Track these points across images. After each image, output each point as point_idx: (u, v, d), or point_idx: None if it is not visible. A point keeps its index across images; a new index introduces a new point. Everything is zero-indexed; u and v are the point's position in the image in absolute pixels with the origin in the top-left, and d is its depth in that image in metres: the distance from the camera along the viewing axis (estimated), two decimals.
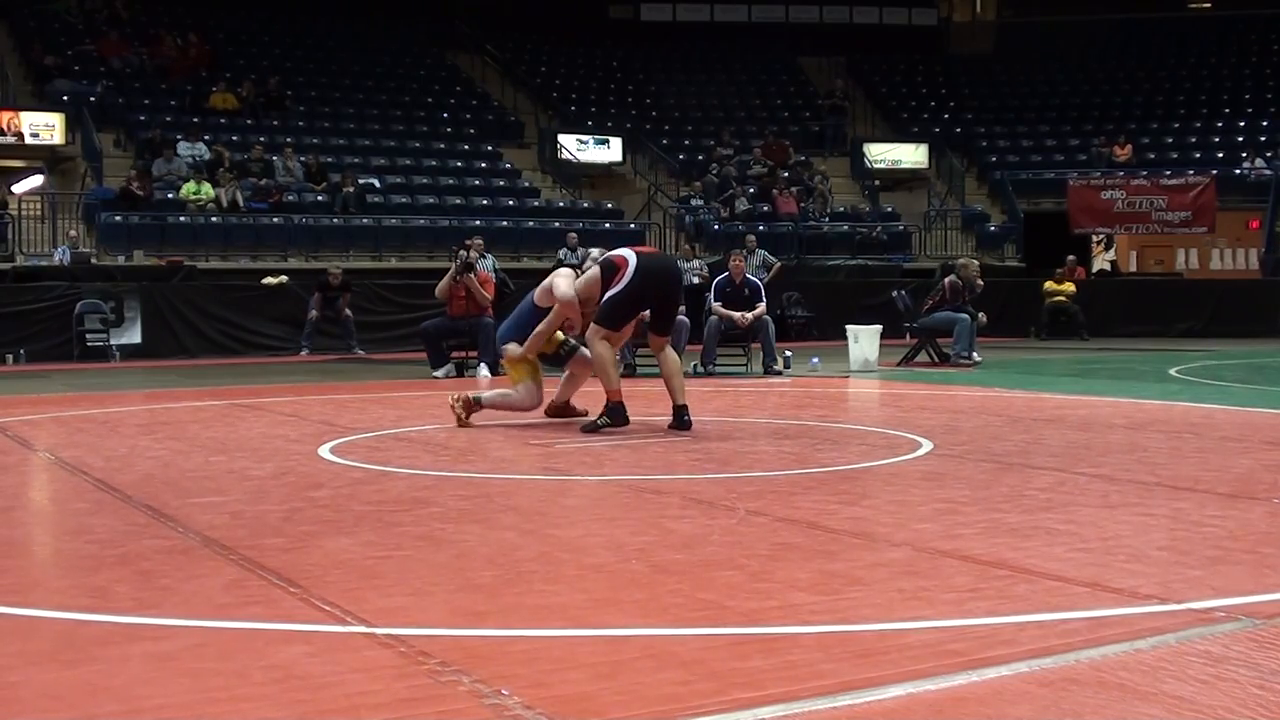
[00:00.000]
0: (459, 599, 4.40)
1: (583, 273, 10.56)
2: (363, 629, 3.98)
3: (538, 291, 10.62)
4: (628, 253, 10.19)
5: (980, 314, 18.27)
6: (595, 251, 12.03)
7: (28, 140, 27.46)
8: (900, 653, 3.68)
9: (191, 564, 5.04)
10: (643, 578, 4.70)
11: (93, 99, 29.13)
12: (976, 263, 19.83)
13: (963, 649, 3.69)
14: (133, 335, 21.08)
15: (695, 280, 23.38)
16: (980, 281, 18.96)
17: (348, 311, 21.94)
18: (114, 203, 25.58)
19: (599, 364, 9.96)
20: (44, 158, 27.64)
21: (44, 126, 27.59)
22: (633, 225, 29.92)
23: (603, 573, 4.86)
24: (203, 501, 6.59)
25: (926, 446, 8.46)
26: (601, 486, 7.22)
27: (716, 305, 16.70)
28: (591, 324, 10.01)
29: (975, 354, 17.85)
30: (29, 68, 30.98)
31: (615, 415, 9.74)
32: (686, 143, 35.16)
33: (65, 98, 28.76)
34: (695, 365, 16.45)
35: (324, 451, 8.61)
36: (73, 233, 24.73)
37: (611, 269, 10.05)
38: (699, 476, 7.33)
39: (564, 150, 32.30)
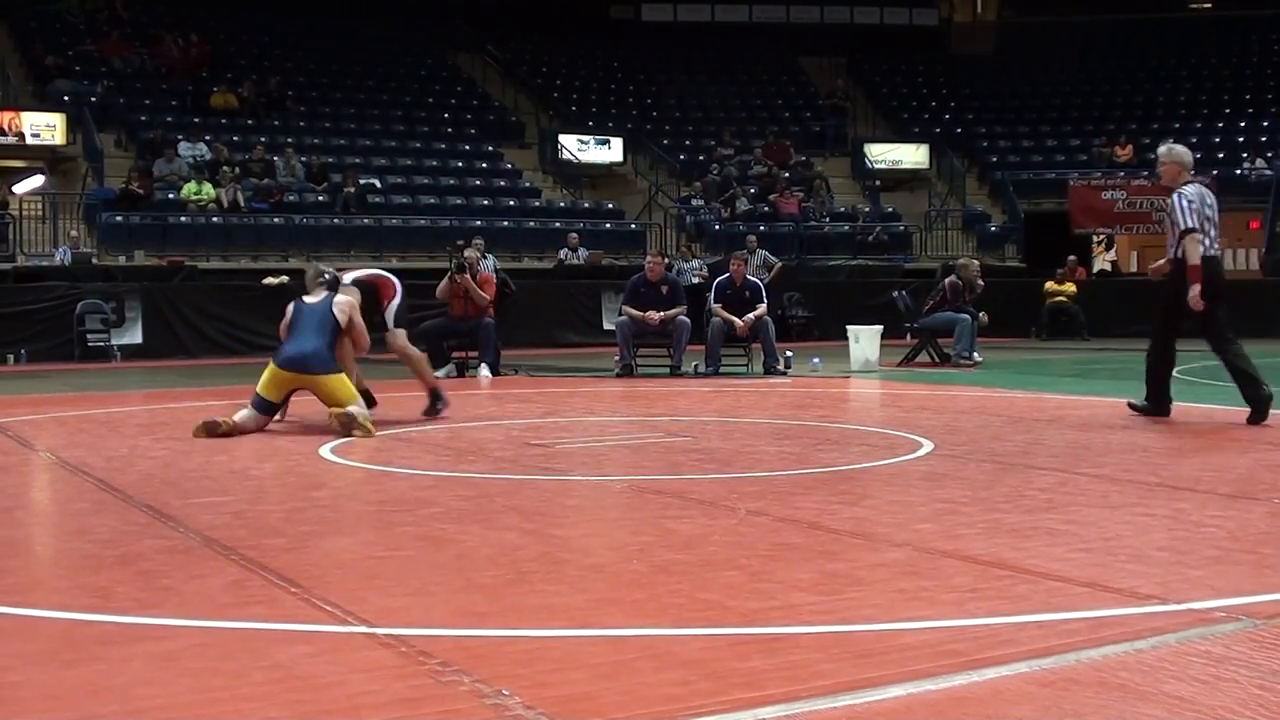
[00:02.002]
0: (460, 599, 4.40)
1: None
2: (364, 629, 3.98)
3: (346, 315, 10.56)
4: (386, 274, 11.73)
5: (981, 314, 18.28)
6: (347, 276, 11.64)
7: (29, 140, 27.50)
8: (900, 653, 3.68)
9: (193, 564, 5.04)
10: (643, 578, 4.70)
11: (94, 99, 29.17)
12: (977, 263, 19.85)
13: (963, 649, 3.69)
14: (134, 335, 21.11)
15: (695, 280, 23.41)
16: (981, 282, 18.98)
17: None
18: (115, 203, 25.61)
19: (424, 362, 11.45)
20: (45, 158, 27.66)
21: (45, 127, 27.63)
22: (633, 225, 29.96)
23: (603, 573, 4.87)
24: (204, 501, 6.59)
25: (927, 447, 8.46)
26: (602, 487, 7.23)
27: (717, 307, 16.72)
28: (399, 331, 11.25)
29: (976, 354, 17.87)
30: (30, 68, 30.99)
31: (442, 397, 11.09)
32: (687, 143, 35.18)
33: (66, 98, 28.78)
34: (697, 365, 16.46)
35: (325, 452, 8.61)
36: (74, 233, 24.73)
37: (374, 291, 11.22)
38: (700, 476, 7.33)
39: (565, 150, 32.32)
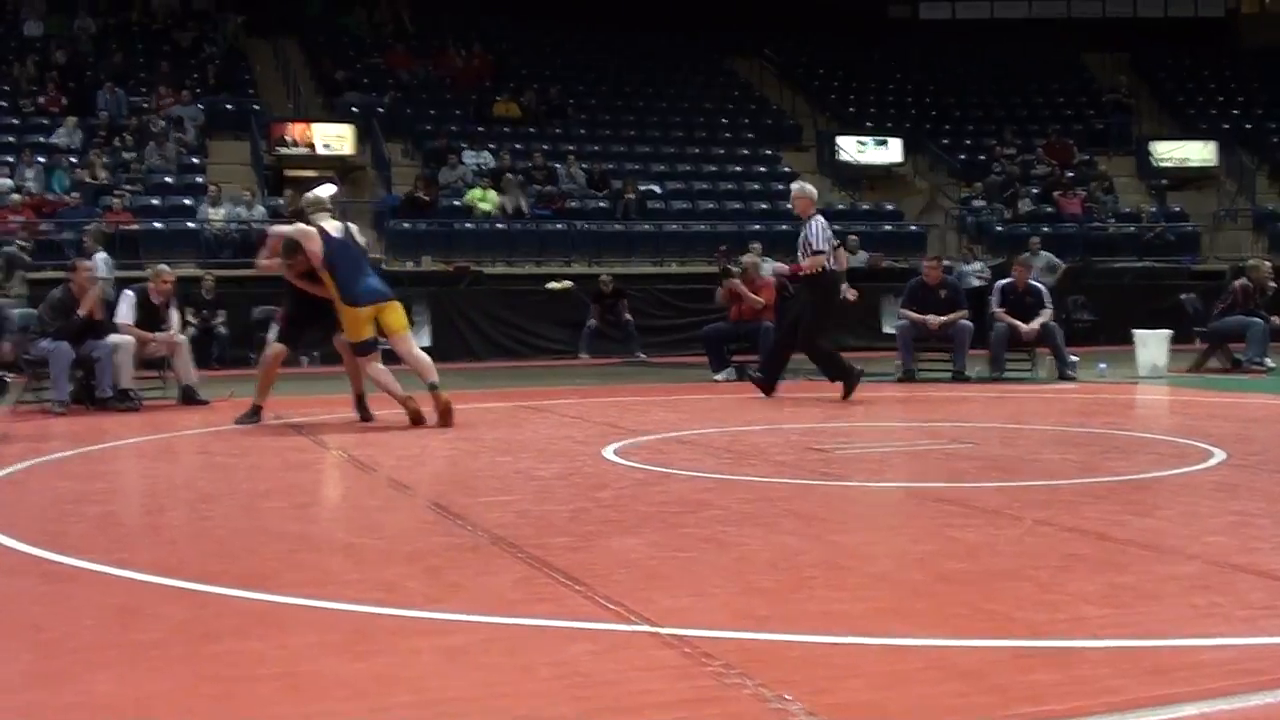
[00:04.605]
0: (742, 602, 4.42)
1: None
2: (647, 629, 4.03)
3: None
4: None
5: (1275, 318, 17.61)
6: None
7: (319, 151, 28.53)
8: (1193, 670, 3.57)
9: (479, 561, 5.17)
10: (926, 587, 4.65)
11: (381, 110, 30.07)
12: (1269, 265, 19.09)
13: (1259, 668, 3.57)
14: (422, 339, 21.66)
15: (976, 283, 23.06)
16: (1273, 284, 18.27)
17: (628, 316, 22.27)
18: (401, 210, 26.35)
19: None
20: (335, 167, 28.62)
21: (335, 137, 28.66)
22: (913, 227, 29.65)
23: (885, 581, 4.83)
24: (490, 500, 6.75)
25: (1219, 456, 8.18)
26: (882, 493, 7.18)
27: (1000, 311, 16.45)
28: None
29: (1269, 360, 17.20)
30: (319, 81, 32.14)
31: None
32: (967, 142, 34.61)
33: (354, 109, 29.79)
34: (980, 370, 16.22)
35: (608, 453, 8.73)
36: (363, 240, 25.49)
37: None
38: (983, 485, 7.22)
39: (842, 152, 32.14)
